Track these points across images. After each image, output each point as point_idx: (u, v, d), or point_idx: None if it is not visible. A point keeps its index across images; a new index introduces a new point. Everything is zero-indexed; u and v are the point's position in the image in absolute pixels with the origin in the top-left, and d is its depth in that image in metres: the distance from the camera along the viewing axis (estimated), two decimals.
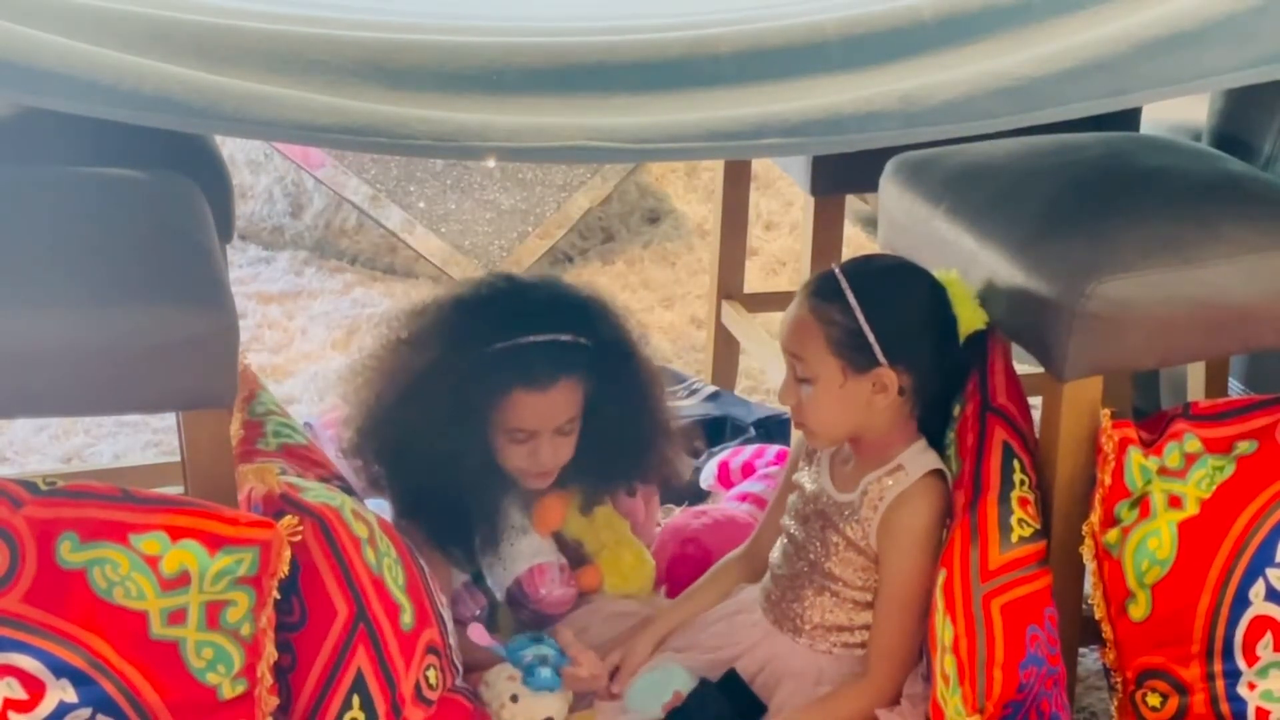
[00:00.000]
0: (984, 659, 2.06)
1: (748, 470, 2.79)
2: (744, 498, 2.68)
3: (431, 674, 2.14)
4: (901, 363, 2.20)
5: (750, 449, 2.84)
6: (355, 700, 2.07)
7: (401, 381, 2.36)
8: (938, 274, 2.25)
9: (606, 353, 2.41)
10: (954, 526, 2.17)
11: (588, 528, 2.51)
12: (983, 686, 2.05)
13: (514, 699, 2.25)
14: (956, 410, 2.28)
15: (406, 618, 2.11)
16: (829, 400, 2.21)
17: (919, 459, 2.24)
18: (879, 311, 2.19)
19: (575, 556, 2.50)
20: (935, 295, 2.23)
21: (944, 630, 2.10)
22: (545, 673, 2.26)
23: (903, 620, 2.21)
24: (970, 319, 2.24)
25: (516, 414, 2.35)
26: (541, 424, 2.36)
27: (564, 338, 2.37)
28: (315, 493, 2.13)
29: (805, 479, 2.33)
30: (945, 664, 2.09)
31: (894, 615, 2.22)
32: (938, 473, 2.23)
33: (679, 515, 2.65)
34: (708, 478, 2.83)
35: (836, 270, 2.24)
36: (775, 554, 2.35)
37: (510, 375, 2.34)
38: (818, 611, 2.27)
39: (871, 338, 2.19)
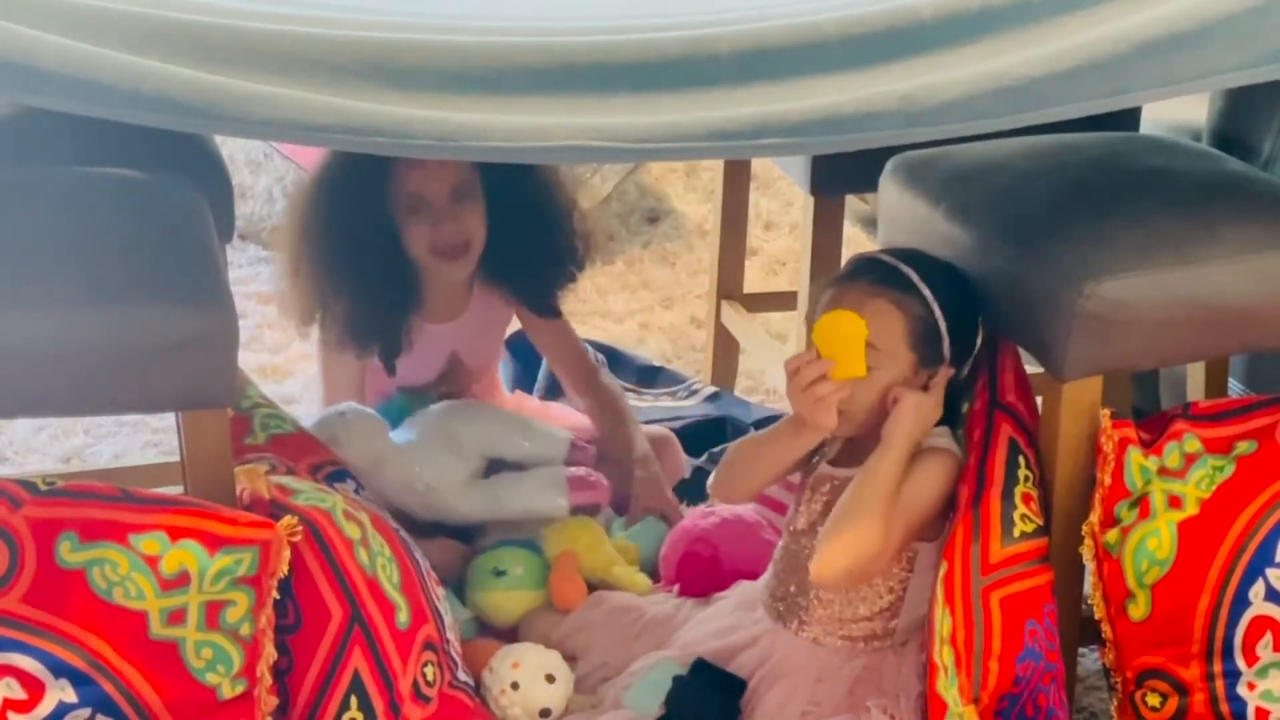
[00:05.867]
0: (980, 650, 2.07)
1: None
2: None
3: (429, 671, 2.14)
4: (956, 362, 2.24)
5: None
6: (353, 701, 2.07)
7: (316, 203, 2.52)
8: None
9: None
10: (956, 520, 2.17)
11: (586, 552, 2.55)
12: (978, 677, 2.06)
13: (514, 686, 2.27)
14: (965, 407, 2.28)
15: (402, 616, 2.12)
16: (888, 390, 2.21)
17: (939, 439, 2.24)
18: (952, 310, 2.22)
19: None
20: (977, 297, 2.26)
21: (942, 621, 2.10)
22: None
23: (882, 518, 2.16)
24: None
25: (407, 180, 2.48)
26: (429, 188, 2.49)
27: None
28: (306, 495, 2.12)
29: (809, 480, 2.33)
30: (944, 655, 2.09)
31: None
32: (950, 453, 2.23)
33: (688, 516, 2.65)
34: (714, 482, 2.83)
35: (900, 264, 2.23)
36: (778, 550, 2.35)
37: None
38: (820, 604, 2.27)
39: (946, 336, 2.21)
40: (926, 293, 2.21)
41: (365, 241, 2.51)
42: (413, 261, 2.56)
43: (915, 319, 2.21)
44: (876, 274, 2.24)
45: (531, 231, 2.61)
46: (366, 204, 2.51)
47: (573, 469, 2.63)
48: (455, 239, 2.53)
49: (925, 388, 2.22)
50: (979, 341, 2.29)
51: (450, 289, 2.65)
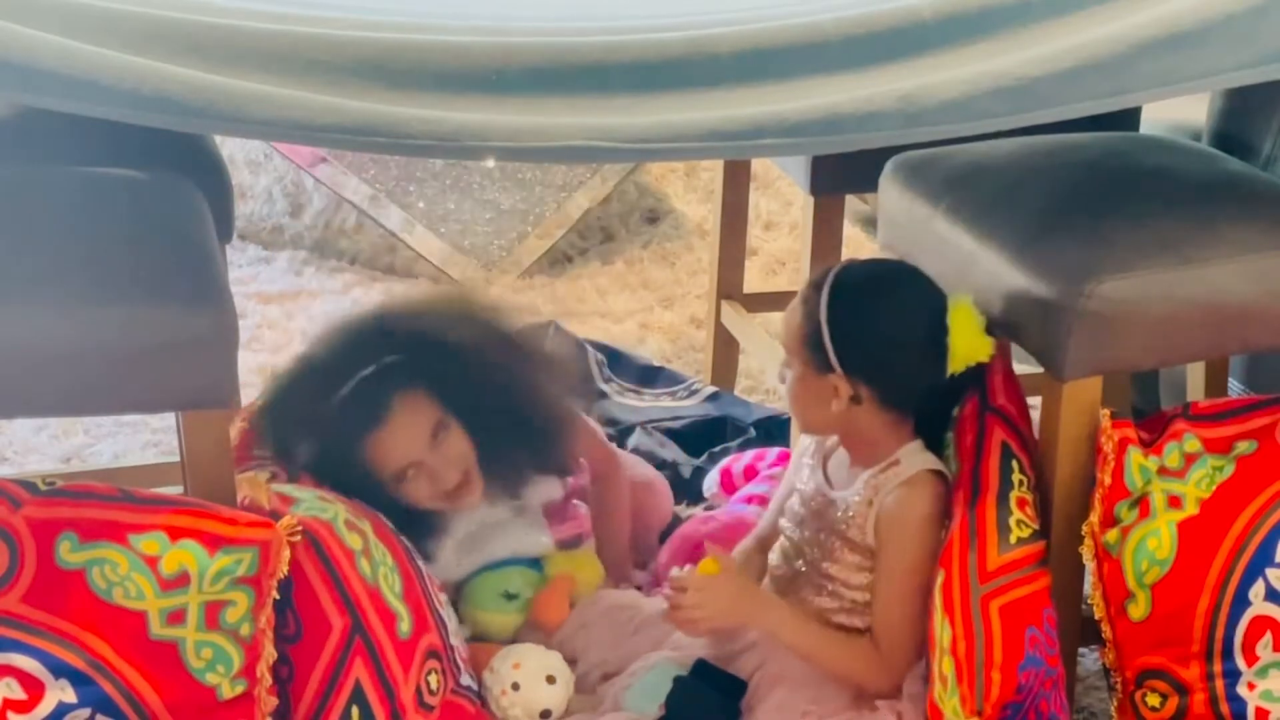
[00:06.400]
0: (982, 660, 2.06)
1: (750, 474, 2.78)
2: (750, 499, 2.68)
3: (433, 679, 2.14)
4: (859, 375, 2.20)
5: (750, 453, 2.84)
6: (354, 711, 2.07)
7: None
8: (952, 298, 2.22)
9: (427, 348, 2.37)
10: (952, 527, 2.17)
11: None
12: (981, 688, 2.05)
13: (515, 687, 2.26)
14: (955, 411, 2.28)
15: (404, 625, 2.11)
16: (796, 389, 2.25)
17: (915, 457, 2.24)
18: (844, 320, 2.20)
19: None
20: (921, 317, 2.20)
21: (942, 631, 2.10)
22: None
23: (905, 611, 2.21)
24: (970, 350, 2.20)
25: (384, 458, 2.32)
26: (411, 450, 2.33)
27: (366, 371, 2.32)
28: (307, 505, 2.11)
29: (801, 480, 2.33)
30: (943, 665, 2.09)
31: (894, 609, 2.22)
32: (935, 471, 2.23)
33: (688, 522, 2.65)
34: (710, 486, 2.83)
35: (835, 267, 2.25)
36: (774, 556, 2.35)
37: (350, 433, 2.31)
38: (815, 612, 2.27)
39: (828, 343, 2.19)
40: (823, 298, 2.21)
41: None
42: (423, 510, 2.39)
43: (808, 319, 2.22)
44: (813, 277, 2.26)
45: (514, 426, 2.43)
46: (356, 490, 2.29)
47: (550, 500, 2.55)
48: (455, 478, 2.37)
49: (857, 399, 2.21)
50: (919, 368, 2.21)
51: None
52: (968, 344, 2.20)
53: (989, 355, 2.22)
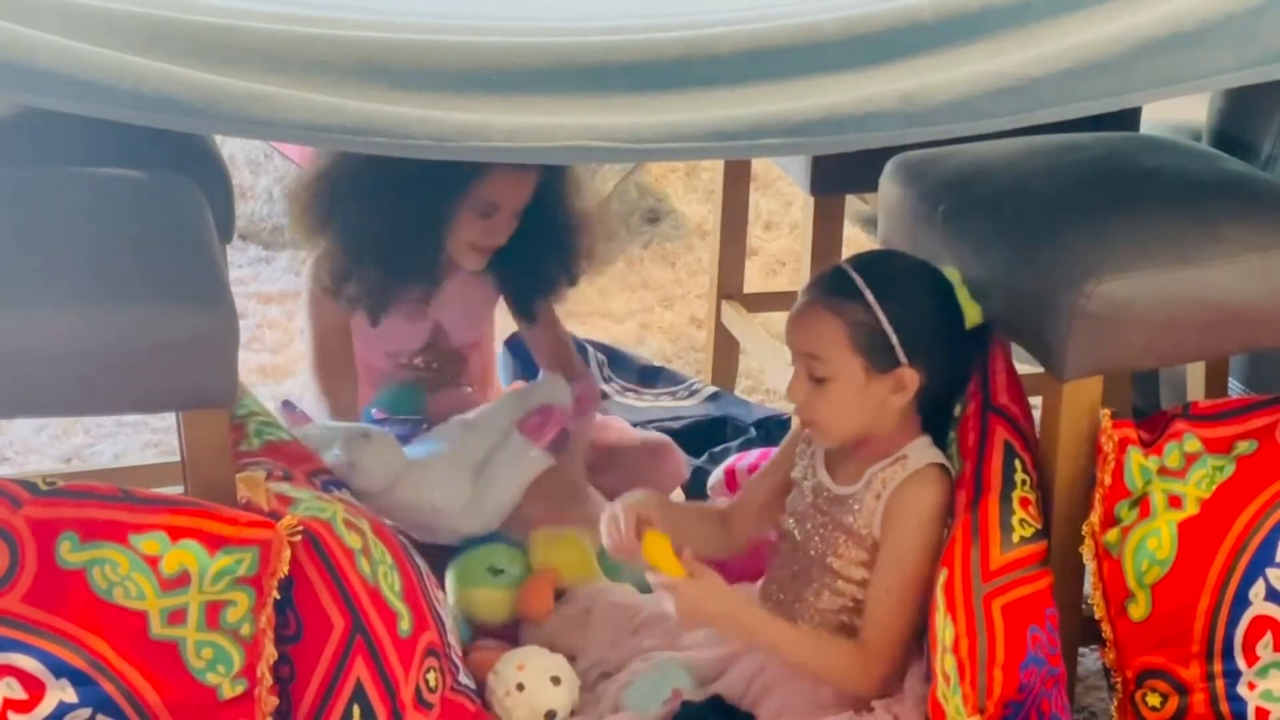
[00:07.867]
0: (984, 659, 2.06)
1: (754, 473, 2.78)
2: None
3: (431, 677, 2.14)
4: (919, 361, 2.20)
5: (755, 452, 2.84)
6: (355, 711, 2.07)
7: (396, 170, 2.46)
8: (946, 270, 2.25)
9: None
10: (955, 526, 2.17)
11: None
12: (983, 686, 2.05)
13: (520, 688, 2.27)
14: (958, 410, 2.28)
15: (404, 624, 2.11)
16: (847, 399, 2.20)
17: (923, 452, 2.24)
18: (899, 310, 2.19)
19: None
20: (945, 290, 2.23)
21: (944, 630, 2.10)
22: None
23: (900, 602, 2.20)
24: (970, 314, 2.24)
25: (492, 188, 2.54)
26: (510, 199, 2.56)
27: None
28: (306, 505, 2.11)
29: (799, 474, 2.33)
30: (946, 664, 2.09)
31: (889, 597, 2.21)
32: (941, 466, 2.23)
33: None
34: (714, 483, 2.83)
35: (849, 269, 2.23)
36: (773, 553, 2.35)
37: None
38: (817, 610, 2.27)
39: (894, 338, 2.18)
40: (869, 296, 2.18)
41: (418, 225, 2.55)
42: (444, 249, 2.60)
43: (856, 324, 2.18)
44: (823, 284, 2.23)
45: (534, 239, 2.65)
46: (445, 194, 2.54)
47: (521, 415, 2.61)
48: (500, 242, 2.60)
49: (920, 391, 2.22)
50: (956, 341, 2.24)
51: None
52: (971, 311, 2.24)
53: (981, 316, 2.24)
